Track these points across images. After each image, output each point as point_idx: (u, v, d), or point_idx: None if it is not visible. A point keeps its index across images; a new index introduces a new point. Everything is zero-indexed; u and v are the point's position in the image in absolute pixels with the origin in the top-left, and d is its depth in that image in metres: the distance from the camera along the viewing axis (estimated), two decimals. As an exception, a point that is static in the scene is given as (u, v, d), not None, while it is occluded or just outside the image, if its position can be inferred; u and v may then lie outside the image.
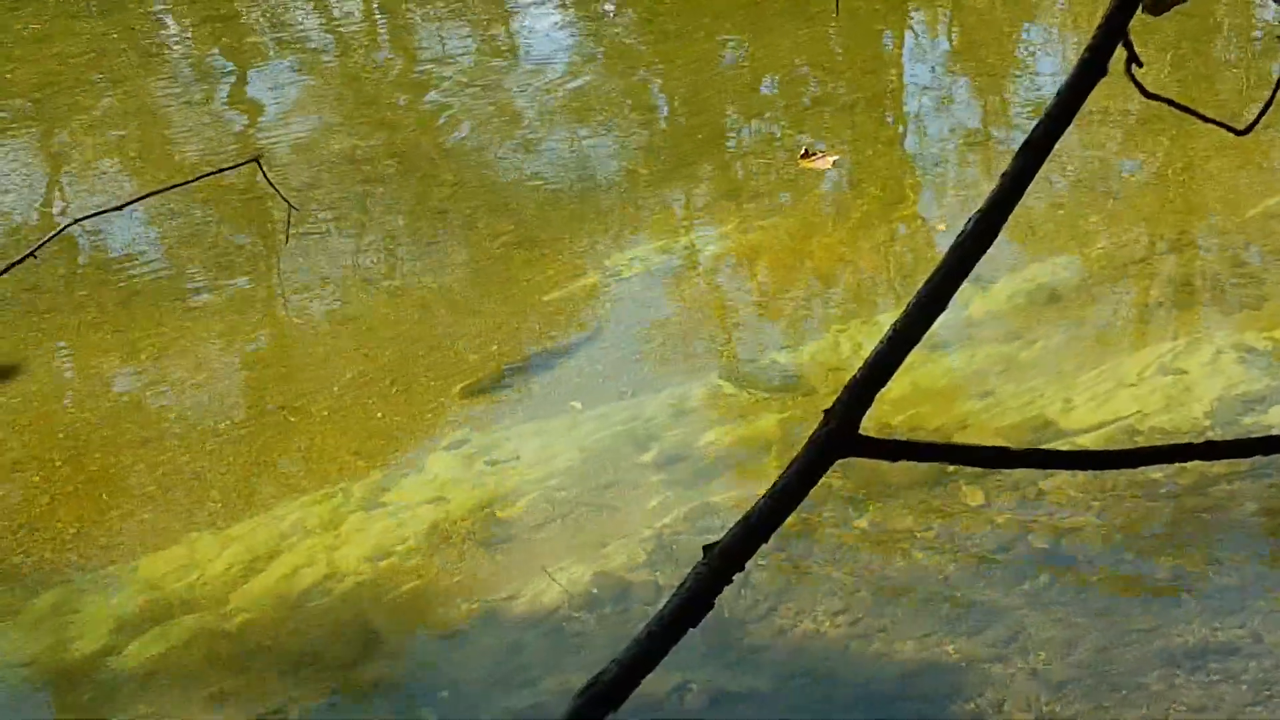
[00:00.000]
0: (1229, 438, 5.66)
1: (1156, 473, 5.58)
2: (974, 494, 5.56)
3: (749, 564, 1.75)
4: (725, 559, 1.72)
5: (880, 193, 7.90)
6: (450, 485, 5.84)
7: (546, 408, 6.28)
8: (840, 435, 1.75)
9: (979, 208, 1.79)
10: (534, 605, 5.22)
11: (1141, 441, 5.82)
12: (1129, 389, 6.15)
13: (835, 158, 8.12)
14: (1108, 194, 7.76)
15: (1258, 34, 9.91)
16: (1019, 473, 5.62)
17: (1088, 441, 5.87)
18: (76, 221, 3.09)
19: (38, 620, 5.31)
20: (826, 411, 1.77)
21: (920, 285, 1.78)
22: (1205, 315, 6.74)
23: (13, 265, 2.51)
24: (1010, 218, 1.79)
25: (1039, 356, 6.43)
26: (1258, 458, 4.73)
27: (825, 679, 4.87)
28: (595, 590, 5.25)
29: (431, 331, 6.84)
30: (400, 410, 6.29)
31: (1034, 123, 1.81)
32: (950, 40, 10.32)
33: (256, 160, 2.61)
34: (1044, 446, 5.80)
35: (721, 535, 1.74)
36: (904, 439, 4.45)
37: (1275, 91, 1.94)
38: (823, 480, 1.78)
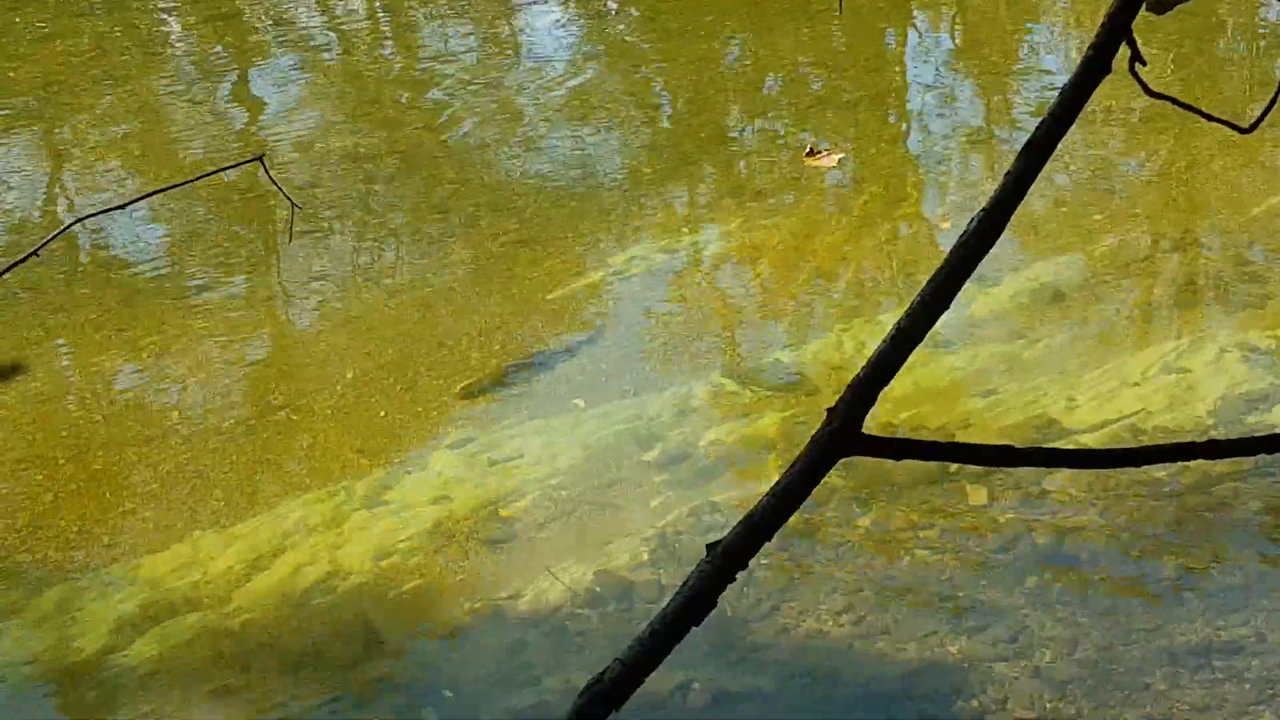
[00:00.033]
0: (1232, 436, 5.65)
1: (1160, 471, 5.57)
2: (977, 493, 5.56)
3: (752, 563, 1.75)
4: (728, 557, 1.72)
5: (884, 191, 7.89)
6: (453, 484, 5.84)
7: (549, 406, 6.28)
8: (843, 434, 1.74)
9: (982, 206, 1.79)
10: (537, 604, 5.22)
11: (1145, 440, 5.82)
12: (1132, 388, 6.15)
13: (841, 156, 8.12)
14: (1111, 193, 7.75)
15: (1263, 29, 9.91)
16: (1022, 471, 5.61)
17: (1091, 440, 5.87)
18: (80, 220, 3.09)
19: (41, 619, 5.31)
20: (829, 410, 1.76)
21: (924, 284, 1.78)
22: (1209, 314, 6.74)
23: (16, 264, 2.52)
24: (1013, 216, 1.79)
25: (1042, 355, 6.43)
26: (1261, 456, 4.73)
27: (828, 678, 4.86)
28: (598, 589, 5.25)
29: (434, 330, 6.84)
30: (403, 409, 6.30)
31: (1037, 121, 1.80)
32: (953, 38, 10.32)
33: (259, 159, 2.61)
34: (1047, 445, 5.80)
35: (724, 534, 1.74)
36: (907, 438, 4.45)
37: None
38: (825, 479, 1.78)
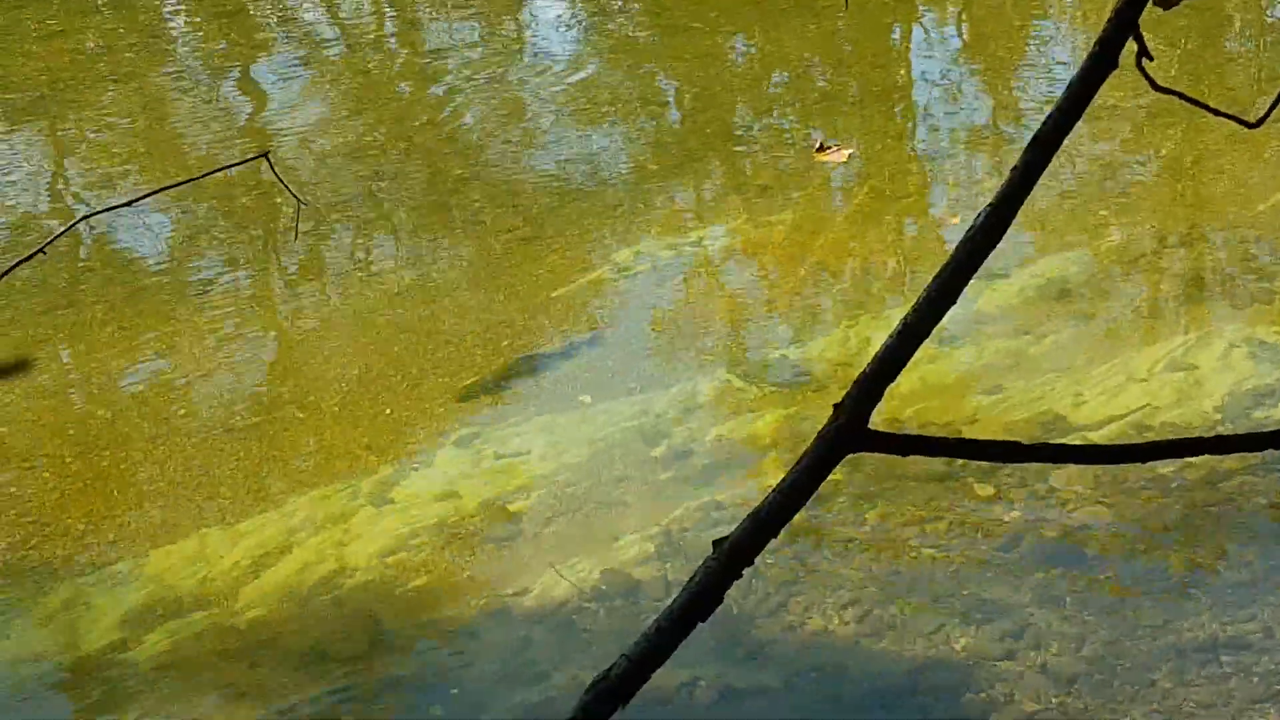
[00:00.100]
0: (1239, 432, 5.64)
1: (1167, 467, 5.57)
2: (984, 489, 5.56)
3: (758, 559, 1.75)
4: (735, 554, 1.72)
5: (890, 187, 7.88)
6: (459, 480, 5.84)
7: (555, 403, 6.28)
8: (850, 430, 1.74)
9: (989, 201, 1.78)
10: (543, 600, 5.22)
11: (1152, 436, 5.81)
12: (1139, 384, 6.14)
13: (851, 151, 8.11)
14: (1118, 188, 7.74)
15: (1270, 24, 9.89)
16: (1029, 467, 5.61)
17: (1098, 436, 5.86)
18: (87, 217, 3.09)
19: (48, 616, 5.32)
20: (836, 406, 1.76)
21: (930, 280, 1.77)
22: (1215, 310, 6.73)
23: (23, 261, 2.52)
24: (1020, 212, 1.79)
25: (1049, 351, 6.42)
26: (1268, 452, 4.72)
27: (834, 674, 4.86)
28: (604, 585, 5.25)
29: (440, 327, 6.84)
30: (409, 406, 6.30)
31: (1043, 116, 1.80)
32: (960, 33, 10.30)
33: (265, 156, 2.61)
34: (1054, 441, 5.79)
35: (731, 530, 1.73)
36: (913, 433, 4.44)
37: (1286, 84, 1.92)
38: (831, 475, 1.77)
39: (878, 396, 1.75)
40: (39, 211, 8.20)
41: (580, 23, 10.56)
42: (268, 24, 10.77)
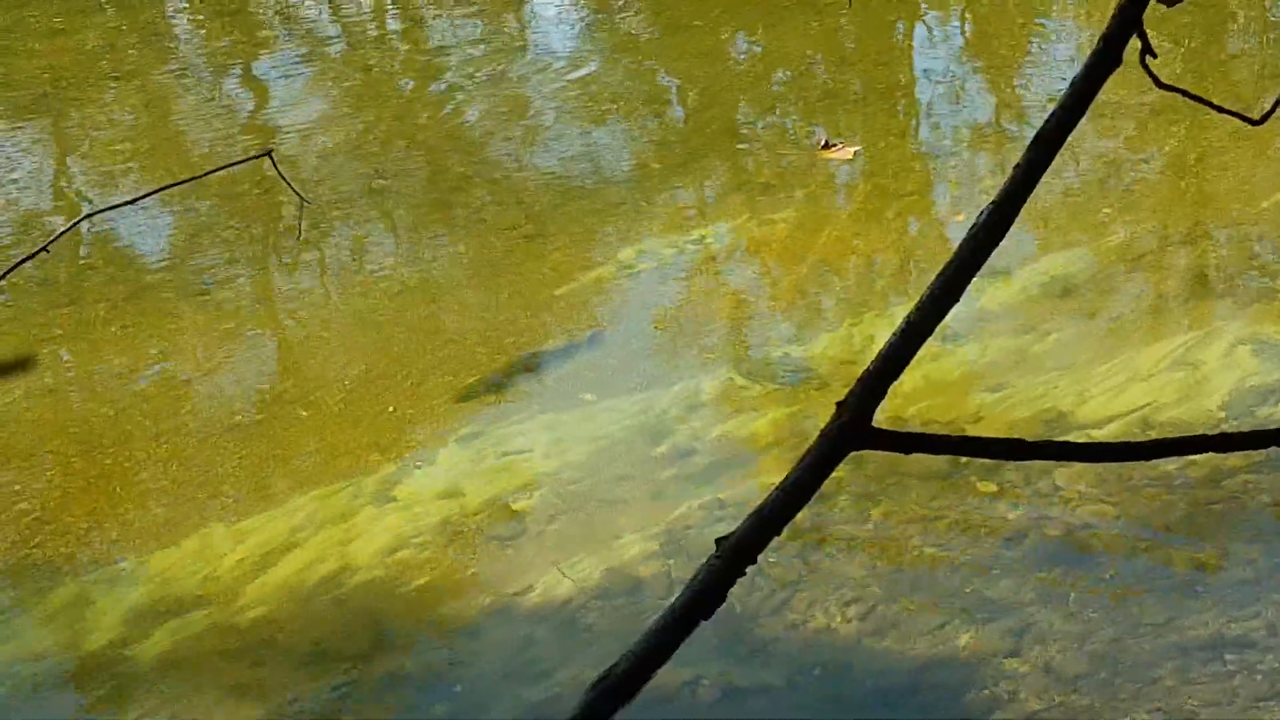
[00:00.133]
0: (1243, 430, 5.64)
1: (1170, 465, 5.56)
2: (987, 486, 5.55)
3: (761, 557, 1.75)
4: (737, 552, 1.71)
5: (894, 184, 7.88)
6: (462, 479, 5.84)
7: (558, 401, 6.28)
8: (853, 428, 1.74)
9: (992, 199, 1.78)
10: (546, 599, 5.22)
11: (1155, 434, 5.80)
12: (1143, 381, 6.13)
13: (856, 148, 8.11)
14: (1121, 185, 7.74)
15: (1273, 21, 9.88)
16: (1032, 465, 5.60)
17: (1101, 434, 5.86)
18: (90, 215, 3.11)
19: (51, 614, 5.32)
20: (839, 404, 1.76)
21: (934, 277, 1.77)
22: (1219, 307, 6.72)
23: (26, 259, 2.52)
24: (1023, 209, 1.78)
25: (1052, 349, 6.42)
26: (1272, 450, 4.71)
27: (837, 673, 4.86)
28: (607, 583, 5.25)
29: (443, 325, 6.84)
30: (412, 404, 6.30)
31: (1047, 114, 1.80)
32: (963, 31, 10.30)
33: (268, 154, 2.61)
34: (1057, 439, 5.79)
35: (734, 528, 1.73)
36: (917, 431, 4.44)
37: (1290, 81, 1.92)
38: (834, 473, 1.77)
39: (881, 394, 1.75)
40: (42, 209, 8.20)
41: (582, 20, 10.56)
42: (270, 22, 10.77)
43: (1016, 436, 5.58)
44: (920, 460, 5.55)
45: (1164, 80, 1.92)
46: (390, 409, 6.27)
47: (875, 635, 4.97)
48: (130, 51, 10.13)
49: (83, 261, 7.54)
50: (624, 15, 10.56)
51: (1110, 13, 1.78)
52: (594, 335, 6.74)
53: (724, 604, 1.72)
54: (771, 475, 5.65)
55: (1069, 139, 1.79)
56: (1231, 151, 7.87)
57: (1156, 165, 8.06)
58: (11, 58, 10.06)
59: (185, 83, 9.71)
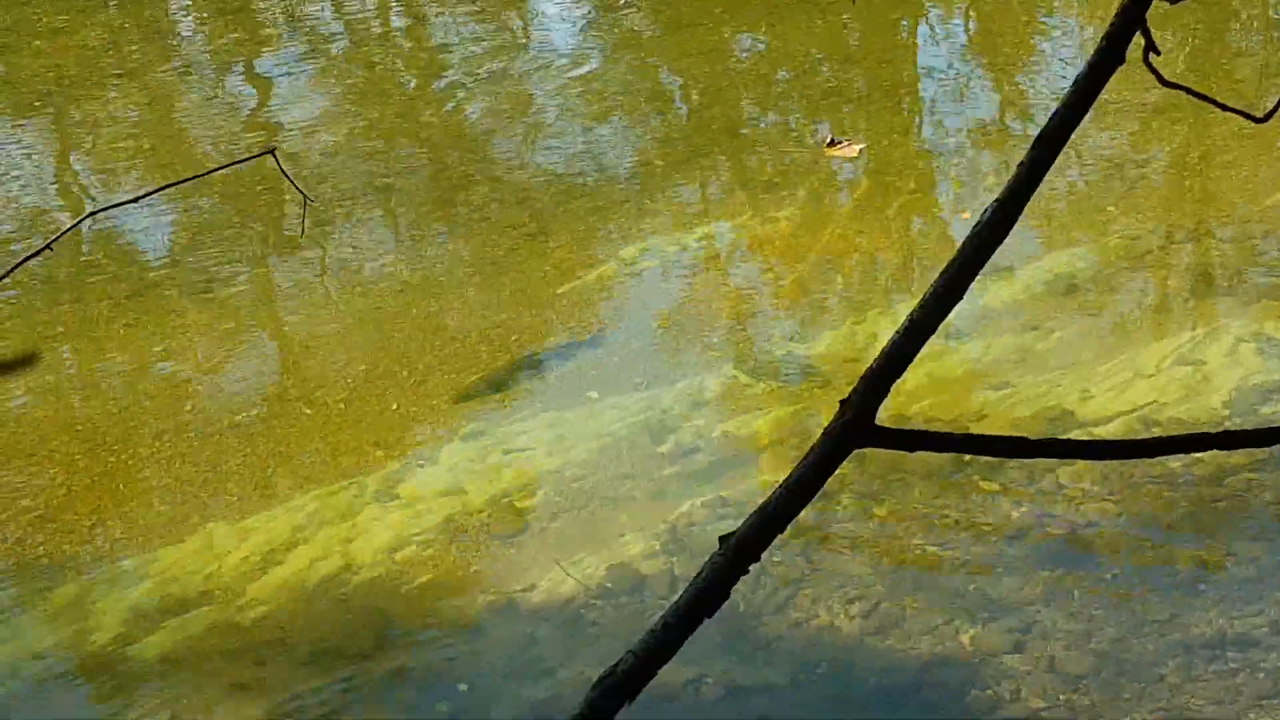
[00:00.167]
0: (1247, 427, 5.63)
1: (1174, 463, 5.56)
2: (990, 485, 5.55)
3: (764, 555, 1.75)
4: (741, 549, 1.71)
5: (898, 182, 7.88)
6: (466, 477, 5.84)
7: (562, 399, 6.28)
8: (856, 426, 1.74)
9: (995, 197, 1.78)
10: (550, 596, 5.22)
11: (1159, 432, 5.80)
12: (1147, 379, 6.13)
13: (861, 145, 8.11)
14: (1125, 183, 7.73)
15: (1277, 19, 9.87)
16: (1036, 463, 5.60)
17: (1105, 432, 5.86)
18: (93, 214, 3.11)
19: (54, 612, 5.32)
20: (843, 402, 1.76)
21: (937, 275, 1.77)
22: (1223, 305, 6.72)
23: (30, 257, 2.52)
24: (1027, 207, 1.78)
25: (1056, 347, 6.41)
26: (1276, 448, 4.71)
27: (840, 671, 4.86)
28: (610, 581, 5.25)
29: (446, 323, 6.84)
30: (416, 402, 6.30)
31: (1050, 112, 1.80)
32: (967, 29, 10.29)
33: (271, 152, 2.61)
34: (1061, 437, 5.78)
35: (737, 525, 1.73)
36: (920, 429, 4.44)
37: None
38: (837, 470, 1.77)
39: (884, 392, 1.75)
40: (46, 208, 8.21)
41: (585, 18, 10.55)
42: (273, 20, 10.77)
43: (1020, 434, 5.58)
44: (923, 458, 5.55)
45: (1167, 78, 1.92)
46: (394, 407, 6.27)
47: (878, 634, 4.97)
48: (133, 50, 10.13)
49: (85, 259, 7.54)
50: (626, 13, 10.56)
51: (1114, 10, 1.77)
52: (598, 333, 6.74)
53: (727, 601, 1.72)
54: (775, 473, 5.65)
55: (1072, 137, 1.79)
56: (1235, 149, 7.86)
57: (1160, 163, 8.05)
58: (14, 56, 10.06)
59: (188, 80, 9.71)
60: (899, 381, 1.77)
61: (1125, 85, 8.37)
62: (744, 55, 9.84)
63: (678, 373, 6.41)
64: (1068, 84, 1.79)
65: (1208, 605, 4.98)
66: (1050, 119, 1.77)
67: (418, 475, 5.87)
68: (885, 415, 1.75)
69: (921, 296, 1.76)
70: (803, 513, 1.77)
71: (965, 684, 4.76)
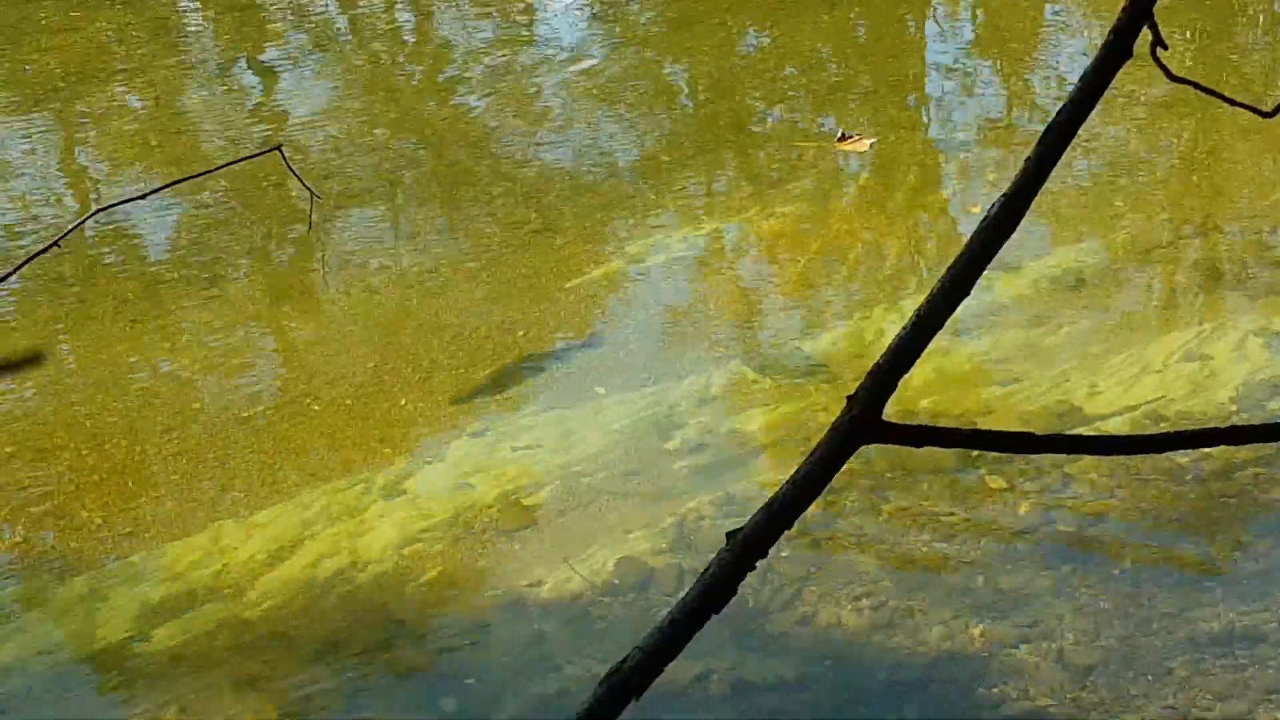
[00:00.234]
0: (1255, 422, 5.63)
1: (1182, 458, 5.55)
2: (998, 480, 5.55)
3: (771, 551, 1.75)
4: (748, 545, 1.71)
5: (906, 178, 7.87)
6: (473, 473, 5.84)
7: (569, 395, 6.28)
8: (863, 421, 1.74)
9: (1003, 192, 1.78)
10: (558, 592, 5.22)
11: (1167, 427, 5.79)
12: (1154, 374, 6.12)
13: (872, 140, 8.10)
14: (1132, 178, 7.72)
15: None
16: (1043, 458, 5.60)
17: (1113, 427, 5.85)
18: (101, 210, 3.11)
19: (63, 608, 5.33)
20: (849, 398, 1.76)
21: (944, 270, 1.77)
22: (1230, 300, 6.71)
23: (37, 254, 2.52)
24: (1034, 202, 1.78)
25: (1063, 342, 6.41)
26: (1284, 443, 4.71)
27: (848, 666, 4.86)
28: (618, 577, 5.25)
29: (453, 319, 6.84)
30: (423, 398, 6.30)
31: (1058, 106, 1.79)
32: (974, 24, 10.28)
33: (278, 149, 2.61)
34: (1068, 432, 5.78)
35: (744, 521, 1.73)
36: (927, 425, 4.43)
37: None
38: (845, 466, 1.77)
39: (891, 388, 1.75)
40: (53, 204, 8.22)
41: (592, 14, 10.55)
42: (280, 16, 10.78)
43: (1027, 430, 5.58)
44: (930, 454, 5.55)
45: (1175, 73, 1.91)
46: (402, 402, 6.27)
47: (886, 629, 4.96)
48: (140, 47, 10.14)
49: (92, 255, 7.55)
50: (633, 7, 10.55)
51: (1121, 4, 1.77)
52: (604, 329, 6.74)
53: (735, 597, 1.72)
54: (781, 469, 5.65)
55: (1079, 131, 1.79)
56: (1243, 144, 7.85)
57: (1167, 158, 8.04)
58: (22, 52, 10.07)
59: (195, 76, 9.72)
60: (906, 377, 1.76)
61: (1133, 80, 8.36)
62: (752, 50, 9.83)
63: (685, 368, 6.41)
64: (1074, 79, 1.78)
65: (1216, 600, 4.98)
66: (1058, 113, 1.77)
67: (425, 472, 5.87)
68: (892, 411, 1.74)
69: (928, 292, 1.76)
70: (809, 509, 1.76)
71: (973, 680, 4.76)
